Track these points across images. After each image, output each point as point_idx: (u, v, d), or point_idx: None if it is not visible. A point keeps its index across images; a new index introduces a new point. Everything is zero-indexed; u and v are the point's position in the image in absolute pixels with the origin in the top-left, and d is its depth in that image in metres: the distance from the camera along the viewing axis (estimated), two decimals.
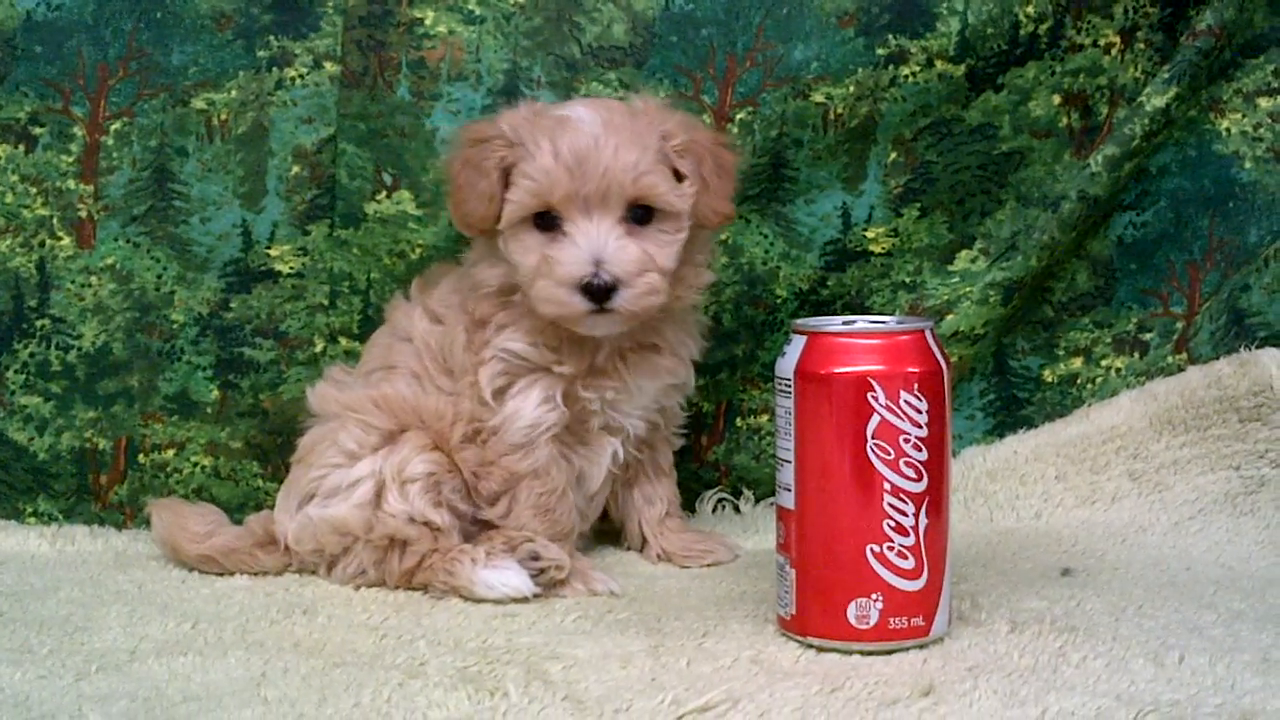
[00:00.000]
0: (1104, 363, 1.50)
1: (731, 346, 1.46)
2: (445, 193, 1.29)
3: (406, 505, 1.21)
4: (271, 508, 1.32)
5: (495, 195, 1.17)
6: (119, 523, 1.43)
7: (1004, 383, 1.51)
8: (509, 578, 1.18)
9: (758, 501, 1.47)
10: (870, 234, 1.46)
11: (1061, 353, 1.50)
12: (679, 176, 1.19)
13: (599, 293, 1.14)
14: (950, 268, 1.48)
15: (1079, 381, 1.50)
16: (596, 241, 1.15)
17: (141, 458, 1.43)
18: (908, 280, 1.48)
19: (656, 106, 1.22)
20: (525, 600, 1.17)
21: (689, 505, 1.45)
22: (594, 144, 1.14)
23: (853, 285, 1.47)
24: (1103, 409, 1.46)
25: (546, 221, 1.17)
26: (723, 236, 1.43)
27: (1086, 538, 1.34)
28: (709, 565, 1.31)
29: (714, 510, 1.47)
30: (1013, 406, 1.51)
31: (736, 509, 1.47)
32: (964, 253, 1.48)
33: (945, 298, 1.46)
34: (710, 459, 1.49)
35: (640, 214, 1.17)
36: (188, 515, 1.31)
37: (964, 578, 1.18)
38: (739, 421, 1.49)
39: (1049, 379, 1.50)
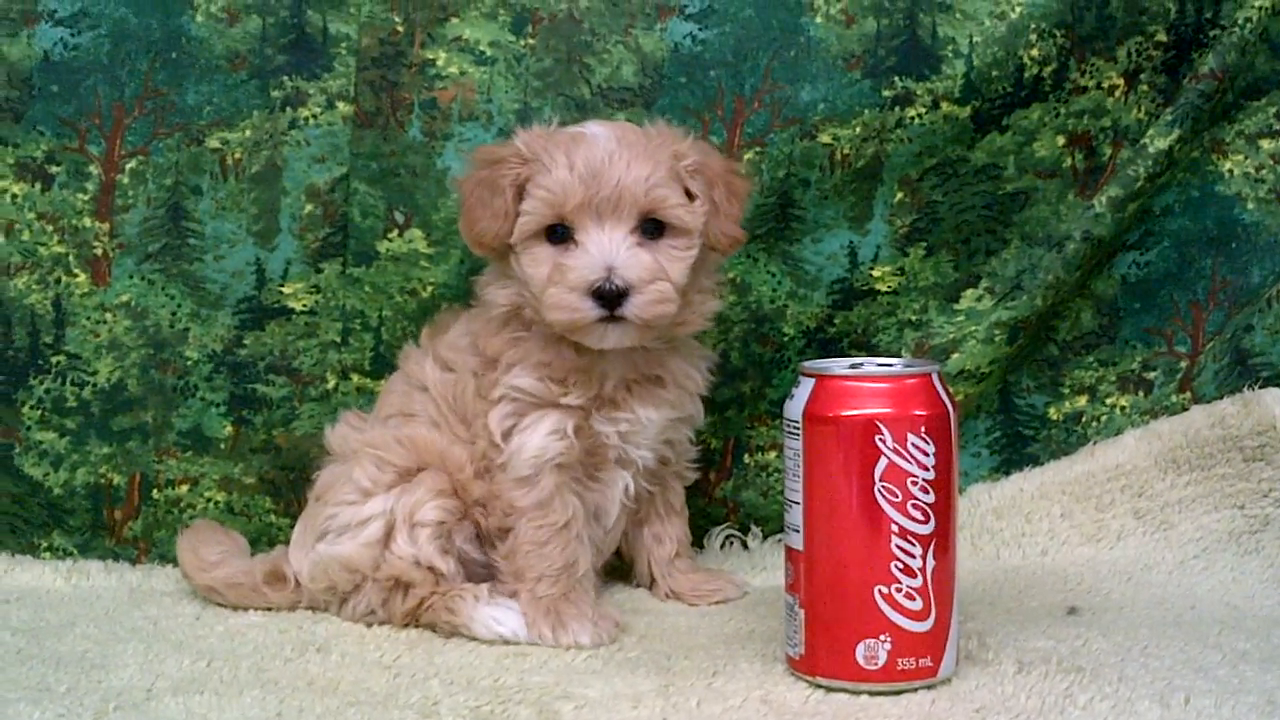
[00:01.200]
0: (1109, 401, 1.51)
1: (739, 384, 1.48)
2: (457, 215, 1.29)
3: (414, 549, 1.21)
4: (285, 543, 1.33)
5: (509, 211, 1.19)
6: (133, 558, 1.45)
7: (1009, 420, 1.52)
8: (506, 617, 1.19)
9: (765, 538, 1.48)
10: (876, 273, 1.47)
11: (1066, 391, 1.52)
12: (690, 196, 1.21)
13: (610, 297, 1.15)
14: (956, 306, 1.49)
15: (1084, 420, 1.51)
16: (609, 249, 1.16)
17: (155, 493, 1.44)
18: (914, 319, 1.49)
19: (670, 130, 1.25)
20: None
21: (697, 541, 1.46)
22: (608, 157, 1.17)
23: (859, 323, 1.48)
24: (1108, 447, 1.47)
25: (559, 234, 1.19)
26: (731, 275, 1.45)
27: (1092, 576, 1.35)
28: (716, 603, 1.32)
29: (722, 546, 1.48)
30: (1018, 444, 1.52)
31: (744, 545, 1.48)
32: (969, 291, 1.49)
33: (951, 336, 1.48)
34: (718, 495, 1.50)
35: (652, 228, 1.19)
36: (207, 540, 1.33)
37: (971, 616, 1.19)
38: (747, 458, 1.50)
39: (1054, 417, 1.52)
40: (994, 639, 1.14)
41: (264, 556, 1.33)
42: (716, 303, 1.29)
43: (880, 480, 1.02)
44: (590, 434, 1.24)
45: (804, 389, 1.06)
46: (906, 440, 1.02)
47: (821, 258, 1.47)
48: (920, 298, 1.49)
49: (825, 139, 1.44)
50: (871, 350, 1.47)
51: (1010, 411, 1.52)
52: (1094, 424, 1.51)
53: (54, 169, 1.42)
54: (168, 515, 1.44)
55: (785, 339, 1.47)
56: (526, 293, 1.21)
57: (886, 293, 1.48)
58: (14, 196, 1.41)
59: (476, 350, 1.26)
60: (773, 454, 1.49)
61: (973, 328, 1.47)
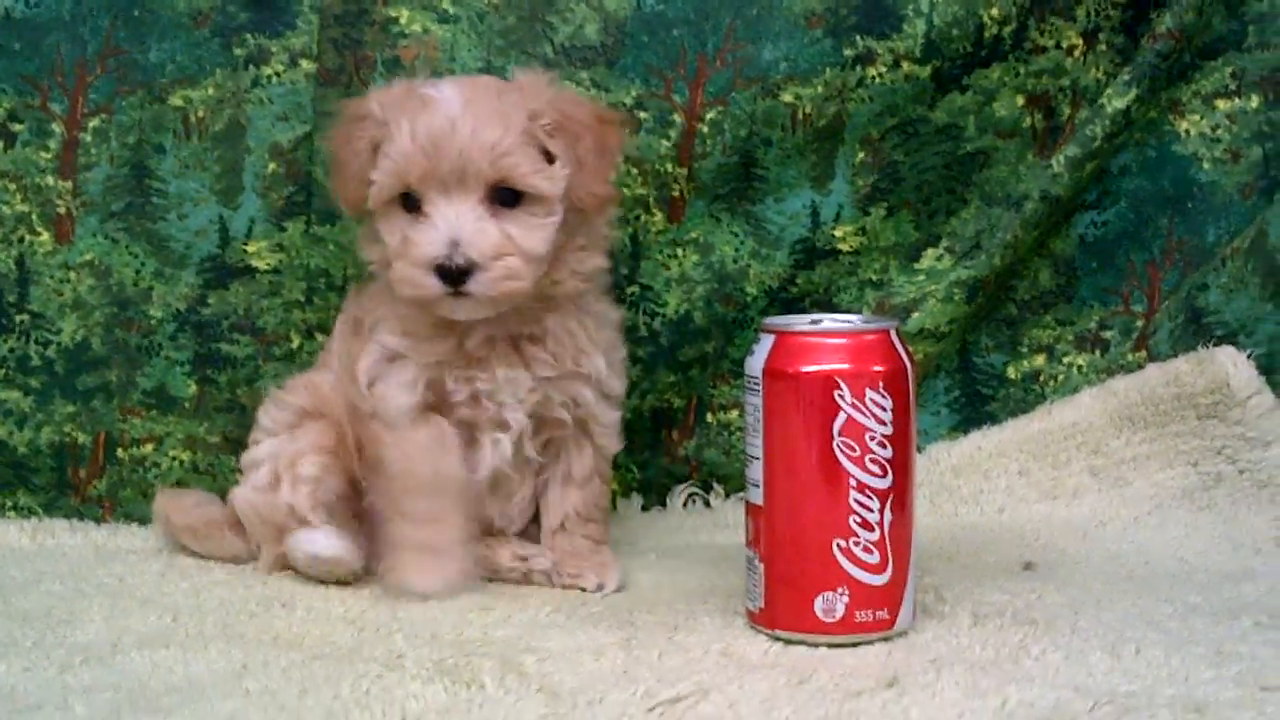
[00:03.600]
0: (1066, 360, 1.53)
1: (702, 343, 1.49)
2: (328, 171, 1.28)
3: (293, 498, 1.23)
4: None
5: (365, 176, 1.15)
6: (98, 517, 1.45)
7: (968, 379, 1.54)
8: (315, 537, 1.23)
9: (728, 496, 1.50)
10: (838, 232, 1.49)
11: (1024, 350, 1.54)
12: (550, 157, 1.15)
13: (453, 275, 1.11)
14: (916, 266, 1.51)
15: (1041, 378, 1.53)
16: (454, 223, 1.11)
17: (120, 452, 1.45)
18: (875, 278, 1.50)
19: (533, 83, 1.18)
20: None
21: (660, 500, 1.48)
22: (450, 125, 1.11)
23: (821, 283, 1.50)
24: (1064, 406, 1.49)
25: (411, 203, 1.14)
26: (694, 234, 1.46)
27: (1048, 532, 1.37)
28: (568, 587, 1.25)
29: (685, 505, 1.49)
30: (977, 403, 1.54)
31: (707, 503, 1.50)
32: (930, 251, 1.51)
33: (911, 295, 1.49)
34: (681, 454, 1.51)
35: (507, 196, 1.14)
36: (185, 493, 1.39)
37: (928, 571, 1.21)
38: (709, 417, 1.51)
39: (1012, 376, 1.54)
40: (950, 593, 1.16)
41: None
42: (599, 259, 1.23)
43: (839, 435, 1.04)
44: (442, 389, 1.21)
45: (764, 345, 1.07)
46: (865, 395, 1.04)
47: (784, 217, 1.48)
48: (881, 257, 1.50)
49: (787, 98, 1.44)
50: (832, 309, 1.48)
51: (969, 370, 1.54)
52: (1051, 382, 1.53)
53: (16, 127, 1.42)
54: (132, 474, 1.45)
55: (748, 298, 1.48)
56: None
57: (848, 252, 1.49)
58: None
59: (360, 304, 1.27)
60: (735, 413, 1.51)
61: (932, 287, 1.49)
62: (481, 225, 1.12)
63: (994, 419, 1.52)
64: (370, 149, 1.15)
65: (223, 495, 1.43)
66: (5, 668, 1.01)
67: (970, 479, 1.47)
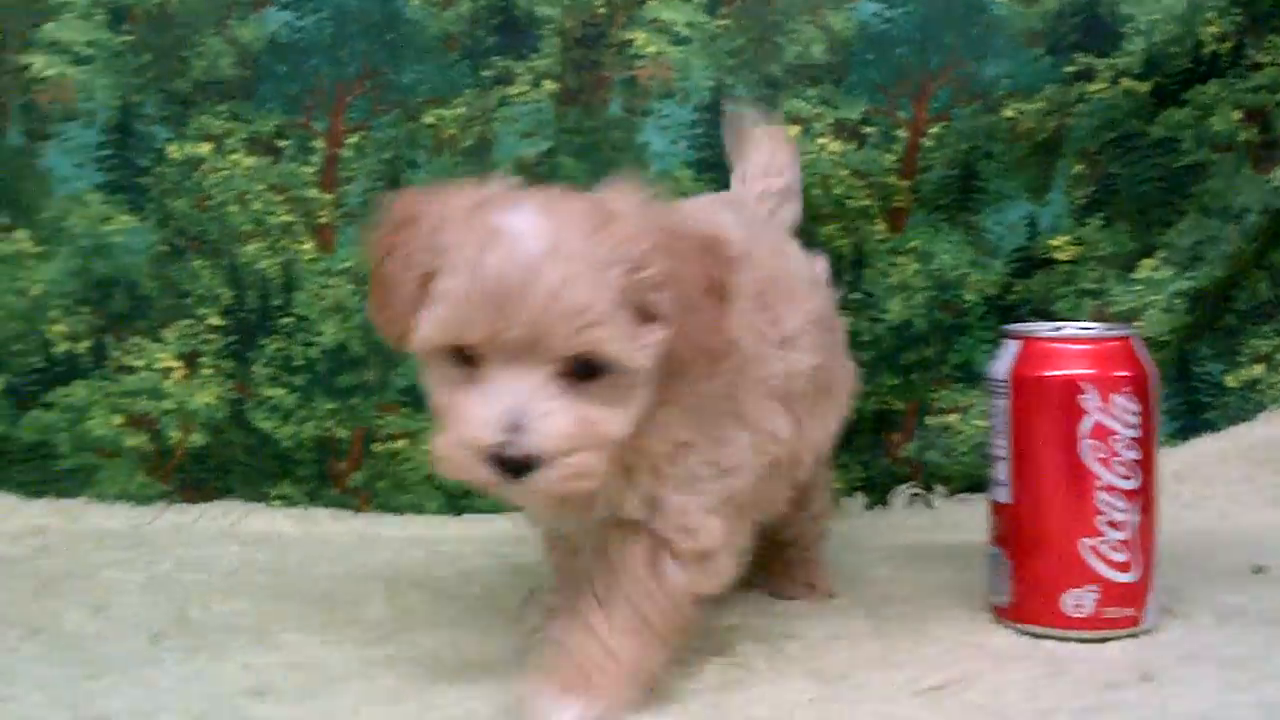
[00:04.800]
0: None
1: (922, 348, 1.54)
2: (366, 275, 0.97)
3: None
4: None
5: (410, 309, 0.88)
6: (355, 507, 1.54)
7: (1188, 388, 1.57)
8: None
9: (950, 496, 1.54)
10: (1055, 242, 1.53)
11: (1243, 359, 1.56)
12: (648, 314, 0.88)
13: (510, 467, 0.85)
14: (1133, 276, 1.54)
15: (1259, 387, 1.55)
16: (518, 400, 0.85)
17: (376, 446, 1.54)
18: (1092, 287, 1.54)
19: (633, 212, 0.89)
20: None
21: (882, 500, 1.53)
22: (526, 276, 0.83)
23: (1039, 291, 1.54)
24: None
25: (465, 355, 0.87)
26: (914, 243, 1.51)
27: (1274, 537, 1.39)
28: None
29: (907, 505, 1.54)
30: (1196, 411, 1.56)
31: (928, 504, 1.54)
32: (1146, 261, 1.54)
33: (1131, 305, 1.53)
34: (902, 455, 1.56)
35: (586, 368, 0.86)
36: None
37: (1160, 574, 1.24)
38: (928, 420, 1.56)
39: (1231, 384, 1.56)
40: (1188, 594, 1.18)
41: None
42: (689, 430, 0.96)
43: (1086, 438, 1.08)
44: None
45: (1009, 350, 1.12)
46: (1110, 400, 1.08)
47: (1002, 227, 1.52)
48: (1098, 267, 1.54)
49: (1008, 113, 1.49)
50: (1050, 318, 1.52)
51: (1188, 379, 1.57)
52: (1270, 391, 1.55)
53: (282, 143, 1.52)
54: (388, 467, 1.54)
55: (967, 305, 1.53)
56: None
57: (1065, 262, 1.53)
58: (246, 169, 1.52)
59: None
60: (954, 416, 1.55)
61: (1153, 297, 1.52)
62: (551, 407, 0.85)
63: (1213, 426, 1.55)
64: (418, 279, 0.88)
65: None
66: (305, 640, 1.10)
67: (1192, 485, 1.49)
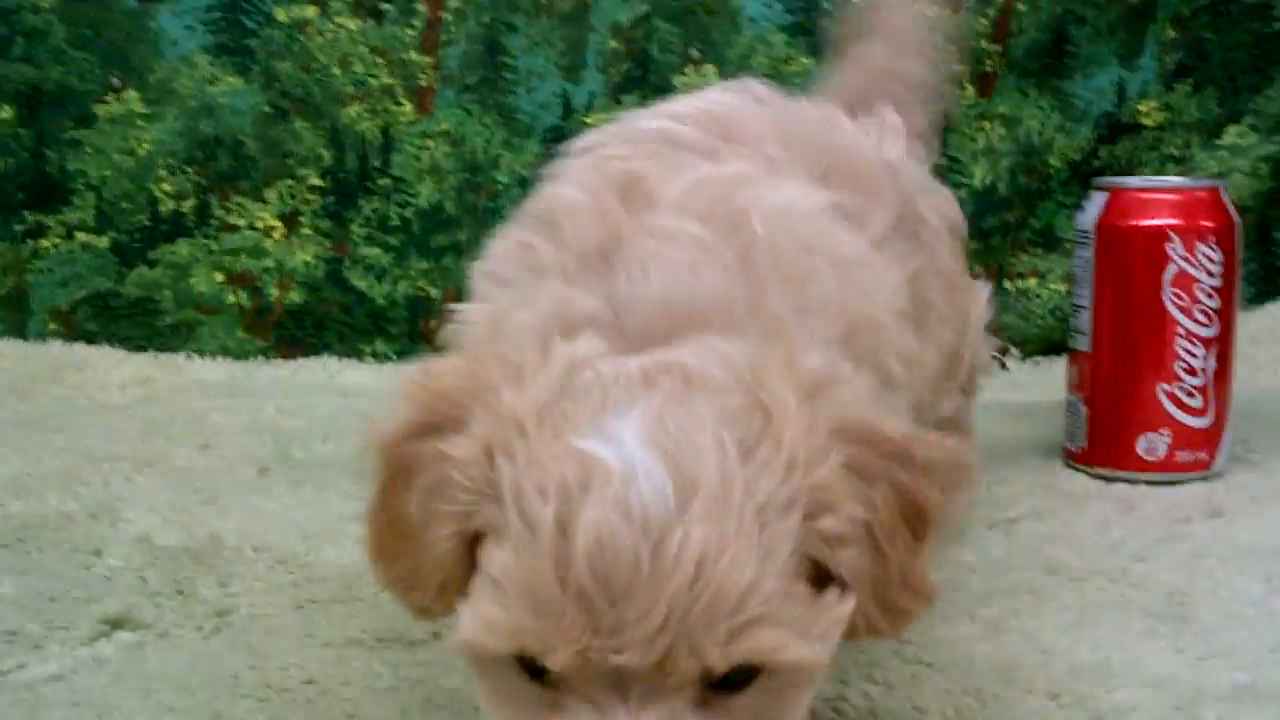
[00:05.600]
0: None
1: (1004, 213, 1.56)
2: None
3: None
4: None
5: (439, 576, 0.56)
6: None
7: (1266, 253, 1.58)
8: None
9: (1024, 359, 1.57)
10: (1143, 108, 1.54)
11: None
12: (825, 576, 0.54)
13: None
14: (1218, 142, 1.55)
15: None
16: None
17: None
18: (1176, 153, 1.55)
19: (805, 399, 0.55)
20: None
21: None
22: (651, 547, 0.50)
23: (1123, 156, 1.55)
24: None
25: (537, 669, 0.53)
26: (1001, 109, 1.53)
27: None
28: None
29: None
30: (1274, 276, 1.58)
31: (1003, 365, 1.57)
32: (1232, 128, 1.55)
33: (1214, 170, 1.53)
34: None
35: (735, 675, 0.52)
36: None
37: (1234, 427, 1.27)
38: (1007, 284, 1.59)
39: None
40: (1259, 444, 1.21)
41: None
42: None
43: (1169, 285, 1.11)
44: None
45: (1096, 201, 1.14)
46: (1195, 248, 1.10)
47: (1090, 92, 1.54)
48: (1184, 133, 1.55)
49: None
50: None
51: (1268, 244, 1.58)
52: None
53: (385, 6, 1.56)
54: None
55: (1051, 170, 1.55)
56: None
57: (1151, 127, 1.54)
58: (349, 31, 1.56)
59: None
60: (1033, 280, 1.58)
61: (1237, 162, 1.53)
62: None
63: None
64: (456, 534, 0.55)
65: None
66: None
67: (1268, 347, 1.51)
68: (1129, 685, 0.75)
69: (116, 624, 0.82)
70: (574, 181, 0.69)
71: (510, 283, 0.65)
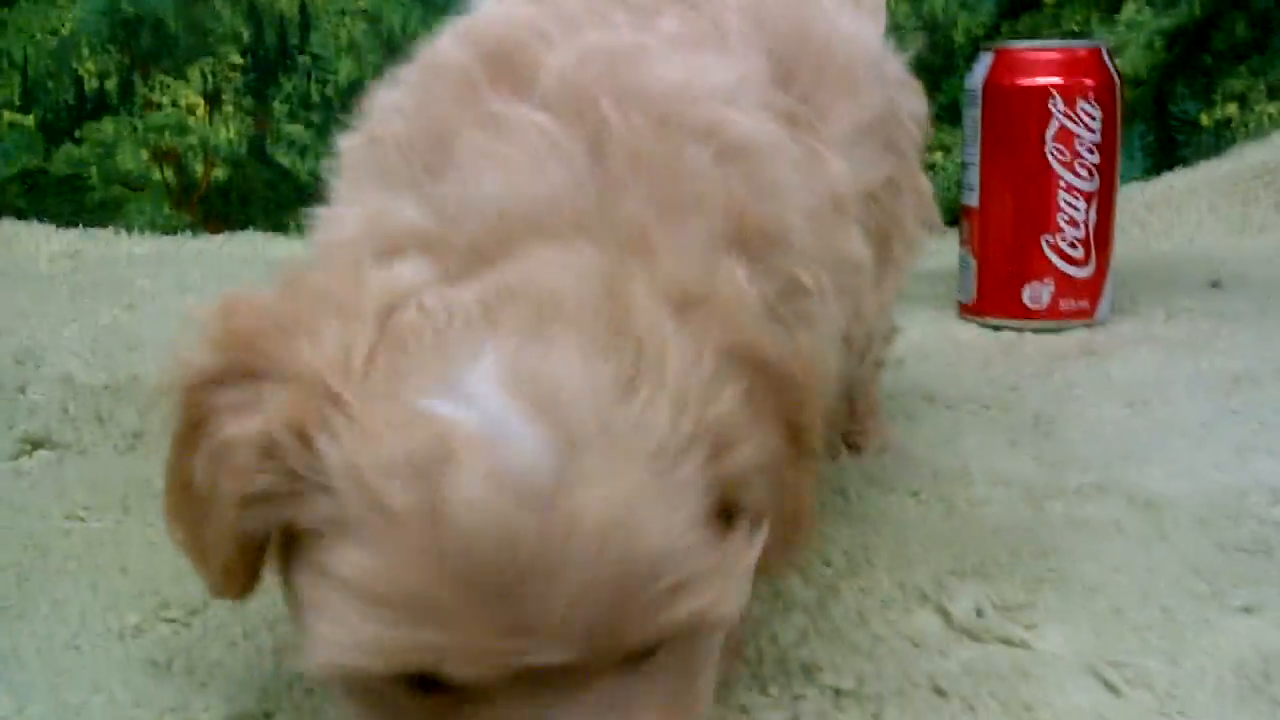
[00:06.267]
0: (1258, 108, 1.62)
1: None
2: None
3: None
4: None
5: (232, 552, 0.46)
6: None
7: (1163, 126, 1.64)
8: None
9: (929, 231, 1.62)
10: None
11: (1218, 98, 1.62)
12: (727, 512, 0.46)
13: None
14: (1116, 16, 1.60)
15: (1233, 125, 1.62)
16: None
17: None
18: (1076, 28, 1.60)
19: (676, 339, 0.45)
20: None
21: None
22: (542, 524, 0.40)
23: (1024, 32, 1.60)
24: (1255, 148, 1.59)
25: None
26: None
27: (1235, 260, 1.47)
28: None
29: None
30: (1170, 148, 1.63)
31: None
32: (1130, 3, 1.60)
33: (1112, 44, 1.58)
34: None
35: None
36: None
37: (1123, 284, 1.33)
38: None
39: (1205, 123, 1.63)
40: (1144, 298, 1.28)
41: None
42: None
43: (1051, 141, 1.16)
44: None
45: (984, 62, 1.19)
46: (1076, 105, 1.16)
47: None
48: (1083, 9, 1.60)
49: None
50: None
51: (1164, 117, 1.63)
52: (1243, 130, 1.62)
53: None
54: None
55: (955, 46, 1.59)
56: None
57: (1051, 4, 1.59)
58: None
59: None
60: (939, 154, 1.62)
61: (1133, 36, 1.58)
62: None
63: (1186, 163, 1.62)
64: (250, 519, 0.45)
65: None
66: None
67: (1162, 214, 1.57)
68: (985, 484, 0.80)
69: (37, 444, 0.86)
70: (449, 42, 0.57)
71: (356, 181, 0.56)
